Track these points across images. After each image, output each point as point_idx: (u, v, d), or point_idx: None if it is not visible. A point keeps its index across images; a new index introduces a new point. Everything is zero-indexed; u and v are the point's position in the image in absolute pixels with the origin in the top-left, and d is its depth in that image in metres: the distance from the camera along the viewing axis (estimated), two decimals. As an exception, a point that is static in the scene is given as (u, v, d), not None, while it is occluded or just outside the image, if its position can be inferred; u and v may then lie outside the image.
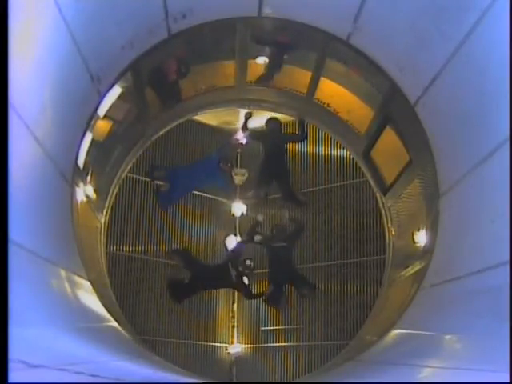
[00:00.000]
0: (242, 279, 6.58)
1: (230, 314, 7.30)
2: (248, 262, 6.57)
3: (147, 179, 7.03)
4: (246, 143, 7.44)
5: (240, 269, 6.53)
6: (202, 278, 6.62)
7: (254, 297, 6.91)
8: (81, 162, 4.49)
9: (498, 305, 2.55)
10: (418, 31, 3.75)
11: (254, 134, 7.01)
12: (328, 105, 6.34)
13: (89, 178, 5.03)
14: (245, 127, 6.84)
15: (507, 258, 2.63)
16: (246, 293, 6.83)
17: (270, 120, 6.83)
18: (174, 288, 6.69)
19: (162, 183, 7.04)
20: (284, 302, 6.95)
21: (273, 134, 6.82)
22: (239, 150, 7.58)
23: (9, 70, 2.22)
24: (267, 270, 6.87)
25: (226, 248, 7.21)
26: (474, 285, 3.17)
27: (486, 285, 2.97)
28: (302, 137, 6.82)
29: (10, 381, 1.66)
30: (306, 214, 7.24)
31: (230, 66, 6.10)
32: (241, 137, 7.37)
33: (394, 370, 3.26)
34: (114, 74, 4.50)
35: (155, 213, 7.10)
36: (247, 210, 7.35)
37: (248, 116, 6.73)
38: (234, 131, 7.52)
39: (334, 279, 6.98)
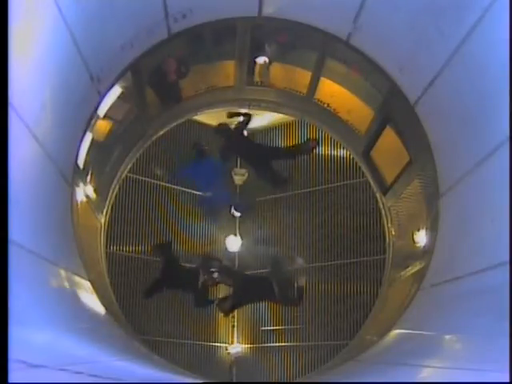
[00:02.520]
0: (204, 288, 6.52)
1: (230, 314, 7.29)
2: (215, 275, 6.46)
3: (148, 179, 7.03)
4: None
5: (206, 277, 6.43)
6: (172, 276, 6.55)
7: (203, 305, 6.83)
8: (81, 161, 4.49)
9: (497, 305, 2.54)
10: (417, 31, 3.75)
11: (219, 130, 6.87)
12: (328, 105, 6.34)
13: (89, 177, 5.03)
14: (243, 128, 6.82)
15: (507, 258, 2.64)
16: (197, 301, 6.76)
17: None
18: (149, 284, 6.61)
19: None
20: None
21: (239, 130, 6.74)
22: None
23: (9, 70, 2.22)
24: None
25: (226, 249, 7.22)
26: (474, 285, 3.17)
27: (486, 285, 2.97)
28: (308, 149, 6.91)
29: (10, 381, 1.65)
30: (306, 213, 7.24)
31: (229, 66, 6.10)
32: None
33: (394, 370, 3.26)
34: (113, 74, 4.50)
35: (155, 213, 7.10)
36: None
37: (247, 119, 6.71)
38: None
39: (334, 279, 6.97)
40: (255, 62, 6.06)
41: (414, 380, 2.81)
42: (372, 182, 6.44)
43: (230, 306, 6.61)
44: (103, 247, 6.00)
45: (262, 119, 7.05)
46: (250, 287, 6.57)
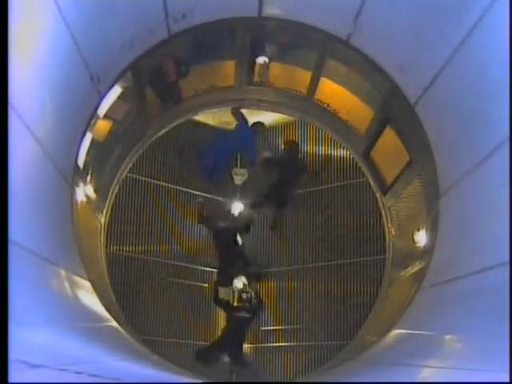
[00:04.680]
0: (253, 308, 6.39)
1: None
2: (244, 296, 6.34)
3: (148, 179, 7.03)
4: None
5: (242, 306, 6.32)
6: (234, 345, 6.41)
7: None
8: (81, 161, 4.49)
9: (497, 305, 2.54)
10: (418, 31, 3.75)
11: (270, 161, 6.82)
12: (328, 105, 6.34)
13: (89, 177, 5.03)
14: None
15: (507, 258, 2.64)
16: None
17: (289, 144, 6.80)
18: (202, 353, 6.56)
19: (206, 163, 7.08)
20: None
21: (290, 160, 6.64)
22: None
23: (9, 69, 2.22)
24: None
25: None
26: (474, 285, 3.17)
27: (486, 285, 2.97)
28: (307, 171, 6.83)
29: (10, 381, 1.65)
30: (306, 213, 7.24)
31: (229, 66, 6.10)
32: None
33: (394, 370, 3.26)
34: (114, 74, 4.50)
35: (155, 213, 7.10)
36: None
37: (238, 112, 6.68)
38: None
39: (334, 279, 6.97)
40: (255, 62, 6.07)
41: (413, 380, 2.81)
42: (372, 182, 6.44)
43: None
44: (103, 247, 6.00)
45: (261, 119, 7.03)
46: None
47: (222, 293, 6.82)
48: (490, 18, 2.94)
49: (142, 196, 7.00)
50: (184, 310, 7.06)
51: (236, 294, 6.65)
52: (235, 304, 6.47)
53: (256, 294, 6.49)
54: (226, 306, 6.48)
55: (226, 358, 6.58)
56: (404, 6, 3.70)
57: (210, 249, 7.35)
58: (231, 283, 6.76)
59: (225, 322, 6.43)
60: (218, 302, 6.52)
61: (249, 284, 6.75)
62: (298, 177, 6.81)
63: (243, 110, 6.92)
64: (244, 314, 6.28)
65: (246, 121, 6.74)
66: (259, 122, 6.82)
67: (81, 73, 3.71)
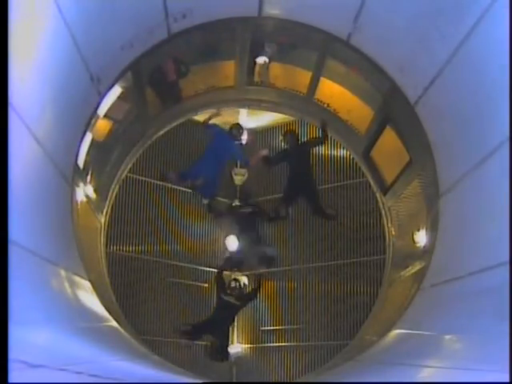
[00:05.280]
0: (242, 297, 6.62)
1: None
2: (233, 284, 6.59)
3: (148, 179, 7.03)
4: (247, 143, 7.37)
5: (231, 293, 6.54)
6: (217, 329, 6.60)
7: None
8: (81, 161, 4.49)
9: (497, 305, 2.55)
10: (417, 31, 3.75)
11: (279, 157, 6.71)
12: (328, 105, 6.34)
13: (89, 177, 5.03)
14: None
15: (507, 258, 2.63)
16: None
17: (286, 134, 6.69)
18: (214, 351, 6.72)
19: (192, 182, 6.93)
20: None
21: (295, 149, 6.54)
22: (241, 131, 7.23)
23: (9, 70, 2.22)
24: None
25: (226, 249, 7.22)
26: (474, 285, 3.17)
27: (486, 285, 2.97)
28: (324, 140, 6.54)
29: (10, 381, 1.66)
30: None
31: (229, 66, 6.10)
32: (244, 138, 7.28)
33: (394, 370, 3.26)
34: (114, 74, 4.50)
35: (155, 213, 7.10)
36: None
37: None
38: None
39: (334, 279, 6.98)
40: (255, 62, 6.06)
41: (413, 380, 2.81)
42: (372, 182, 6.44)
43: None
44: (103, 247, 6.00)
45: (262, 119, 7.04)
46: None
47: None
48: (490, 19, 2.94)
49: (142, 196, 7.01)
50: (184, 310, 7.06)
51: (227, 280, 6.79)
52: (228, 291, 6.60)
53: (250, 285, 6.76)
54: (221, 287, 6.62)
55: (209, 338, 6.73)
56: (404, 6, 3.70)
57: (210, 249, 7.37)
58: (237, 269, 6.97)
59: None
60: (219, 279, 6.73)
61: (248, 282, 6.86)
62: (307, 158, 6.64)
63: (243, 110, 6.93)
64: (231, 300, 6.46)
65: (219, 128, 6.61)
66: (236, 124, 6.70)
67: (81, 73, 3.71)
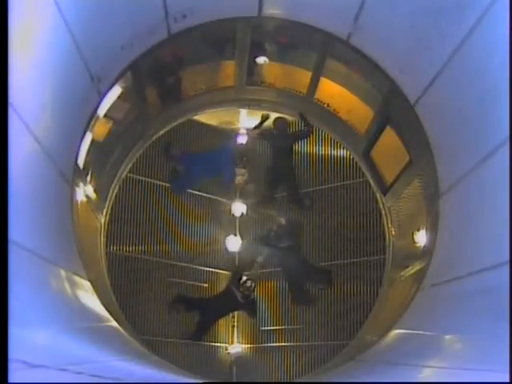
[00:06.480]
0: (248, 299, 6.62)
1: (230, 314, 7.28)
2: (249, 283, 6.59)
3: (148, 179, 7.03)
4: (247, 143, 7.41)
5: (241, 289, 6.55)
6: (210, 312, 6.68)
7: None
8: (81, 161, 4.49)
9: (498, 305, 2.55)
10: (417, 31, 3.75)
11: (263, 134, 6.92)
12: (328, 105, 6.34)
13: (89, 177, 5.03)
14: (259, 127, 6.81)
15: (507, 258, 2.64)
16: (253, 312, 6.89)
17: (278, 119, 6.75)
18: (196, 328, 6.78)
19: (178, 166, 7.01)
20: (309, 298, 6.92)
21: (281, 134, 6.74)
22: (245, 159, 7.49)
23: (9, 69, 2.22)
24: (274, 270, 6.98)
25: (226, 249, 7.22)
26: (474, 285, 3.17)
27: (486, 285, 2.97)
28: (308, 131, 6.71)
29: (10, 381, 1.66)
30: (306, 213, 7.23)
31: (229, 66, 6.10)
32: (243, 138, 7.35)
33: (394, 370, 3.26)
34: (114, 74, 4.51)
35: (155, 213, 7.09)
36: (247, 210, 7.34)
37: (265, 118, 6.72)
38: (235, 131, 7.49)
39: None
40: (255, 62, 6.06)
41: (414, 380, 2.81)
42: (372, 182, 6.44)
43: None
44: (103, 247, 6.00)
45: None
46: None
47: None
48: (490, 19, 2.94)
49: (142, 196, 7.00)
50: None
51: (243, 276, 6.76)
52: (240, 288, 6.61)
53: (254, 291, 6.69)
54: (236, 279, 6.62)
55: (196, 316, 6.78)
56: (404, 6, 3.70)
57: (210, 249, 7.36)
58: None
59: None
60: (235, 273, 6.75)
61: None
62: (290, 147, 6.90)
63: (243, 110, 6.92)
64: (238, 296, 6.52)
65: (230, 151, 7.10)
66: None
67: (81, 73, 3.71)
